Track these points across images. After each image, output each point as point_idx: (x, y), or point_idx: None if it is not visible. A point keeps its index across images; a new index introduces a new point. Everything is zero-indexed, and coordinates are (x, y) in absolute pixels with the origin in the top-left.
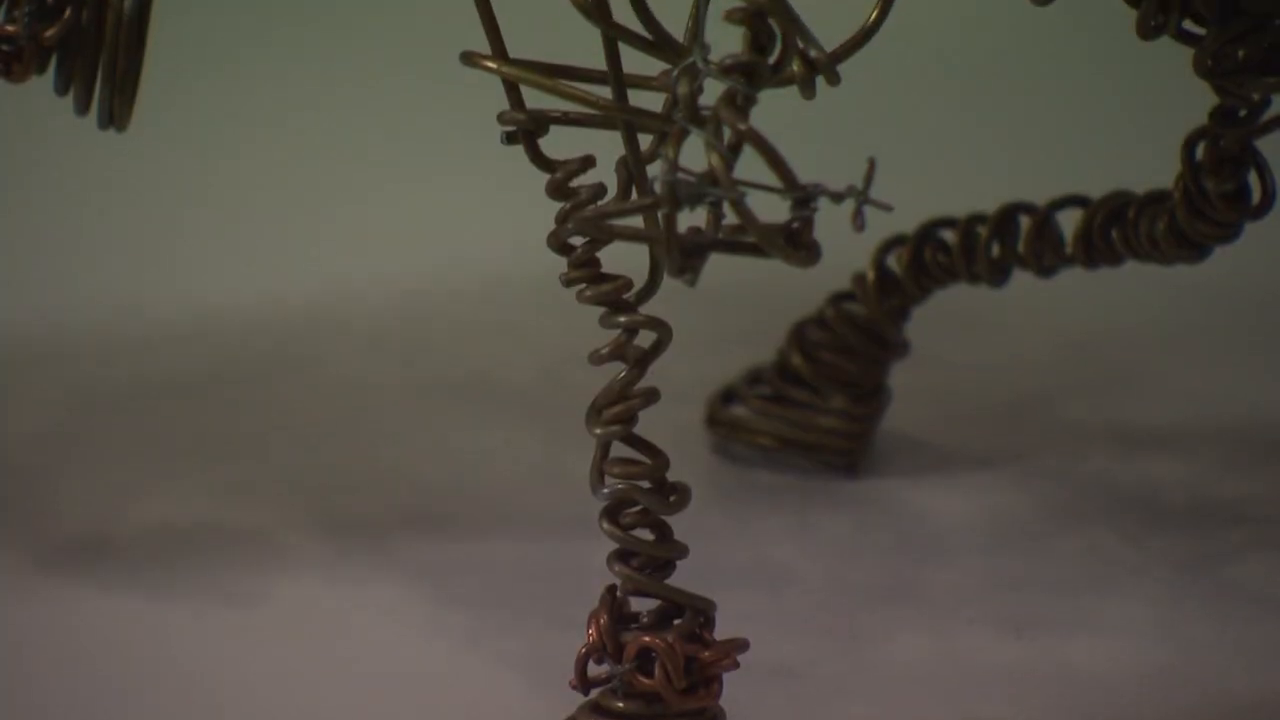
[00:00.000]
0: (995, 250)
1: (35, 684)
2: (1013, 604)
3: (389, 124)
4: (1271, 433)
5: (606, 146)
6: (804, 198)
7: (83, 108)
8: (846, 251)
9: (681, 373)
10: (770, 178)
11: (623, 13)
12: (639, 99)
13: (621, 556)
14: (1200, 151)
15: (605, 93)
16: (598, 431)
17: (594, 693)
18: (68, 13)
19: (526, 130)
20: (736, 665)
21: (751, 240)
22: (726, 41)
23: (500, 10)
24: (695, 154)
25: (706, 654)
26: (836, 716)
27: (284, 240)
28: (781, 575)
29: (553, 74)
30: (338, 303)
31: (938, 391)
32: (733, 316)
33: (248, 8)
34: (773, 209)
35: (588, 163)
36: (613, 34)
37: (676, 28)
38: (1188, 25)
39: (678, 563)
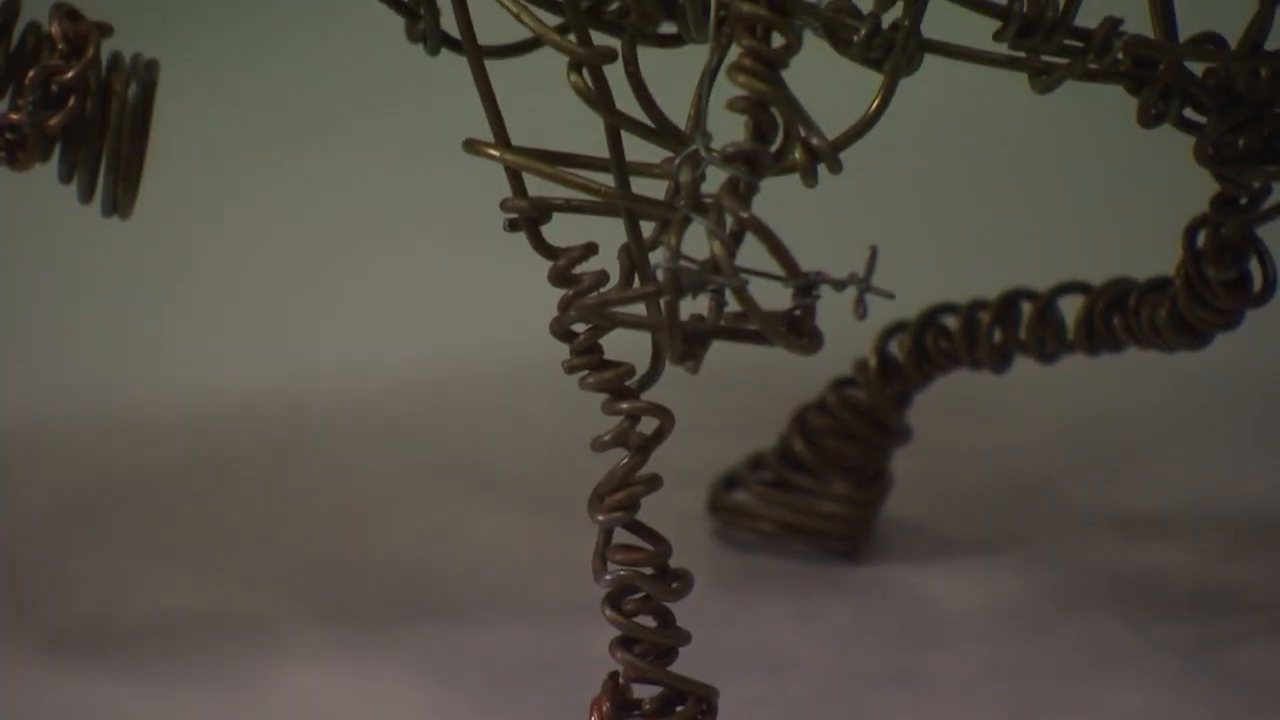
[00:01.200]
0: (997, 336)
1: None
2: (1016, 690)
3: (391, 209)
4: (1274, 519)
5: (609, 233)
6: (806, 286)
7: (86, 195)
8: (848, 337)
9: (683, 457)
10: (772, 265)
11: (625, 100)
12: (641, 186)
13: (624, 643)
14: (1201, 239)
15: (608, 179)
16: (600, 518)
17: None
18: (72, 101)
19: (529, 217)
20: None
21: (754, 328)
22: (728, 128)
23: (503, 97)
24: (697, 241)
25: None
26: None
27: (285, 326)
28: (784, 661)
29: (555, 161)
30: (339, 388)
31: (939, 476)
32: (735, 401)
33: (250, 94)
34: (775, 296)
35: (590, 250)
36: (615, 121)
37: (678, 115)
38: (1188, 113)
39: (680, 649)
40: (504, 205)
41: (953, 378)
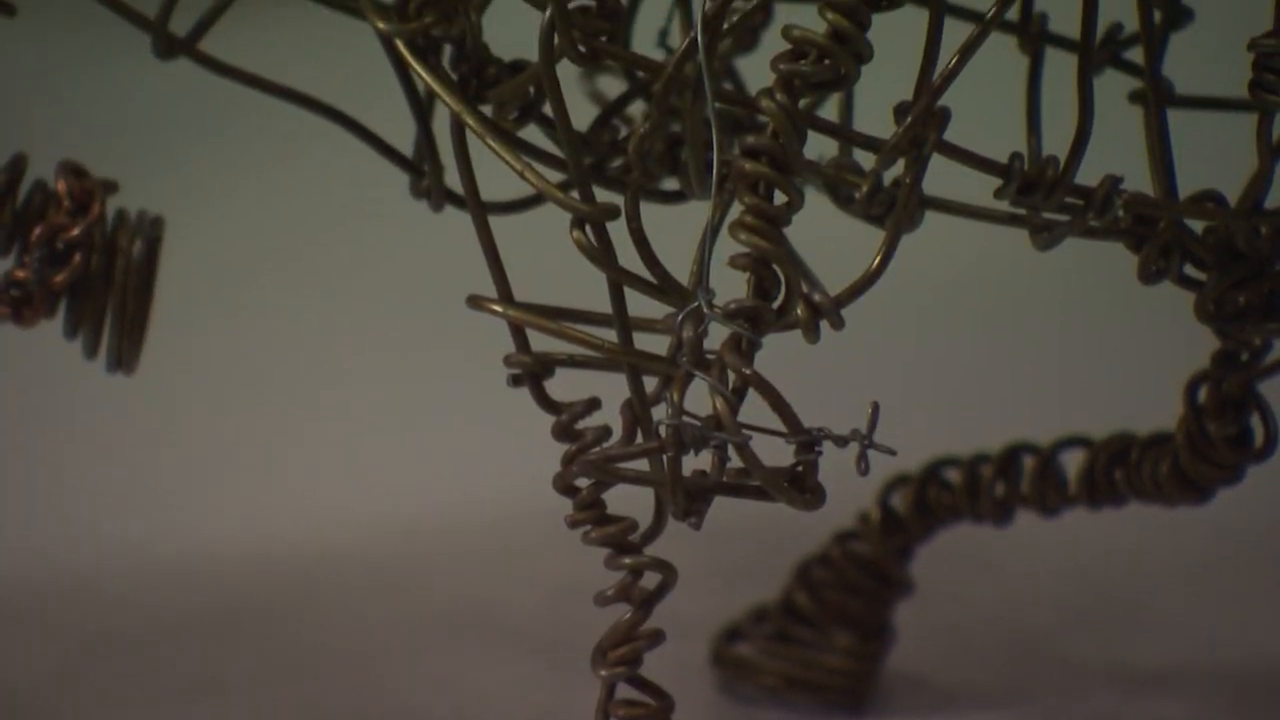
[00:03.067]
0: (999, 490)
1: None
2: None
3: (394, 361)
4: (1278, 673)
5: (611, 388)
6: (808, 442)
7: (91, 351)
8: (851, 490)
9: (686, 611)
10: (775, 421)
11: (627, 254)
12: (644, 341)
13: None
14: (1203, 394)
15: (610, 335)
16: (603, 673)
17: None
18: (77, 258)
19: (532, 373)
20: None
21: (756, 484)
22: (731, 284)
23: (505, 250)
24: (700, 397)
25: None
26: None
27: (285, 474)
28: None
29: (557, 316)
30: (340, 536)
31: (942, 628)
32: (737, 554)
33: (254, 243)
34: (777, 452)
35: (593, 405)
36: (618, 278)
37: (681, 270)
38: (1189, 270)
39: None
40: (507, 361)
41: (955, 529)
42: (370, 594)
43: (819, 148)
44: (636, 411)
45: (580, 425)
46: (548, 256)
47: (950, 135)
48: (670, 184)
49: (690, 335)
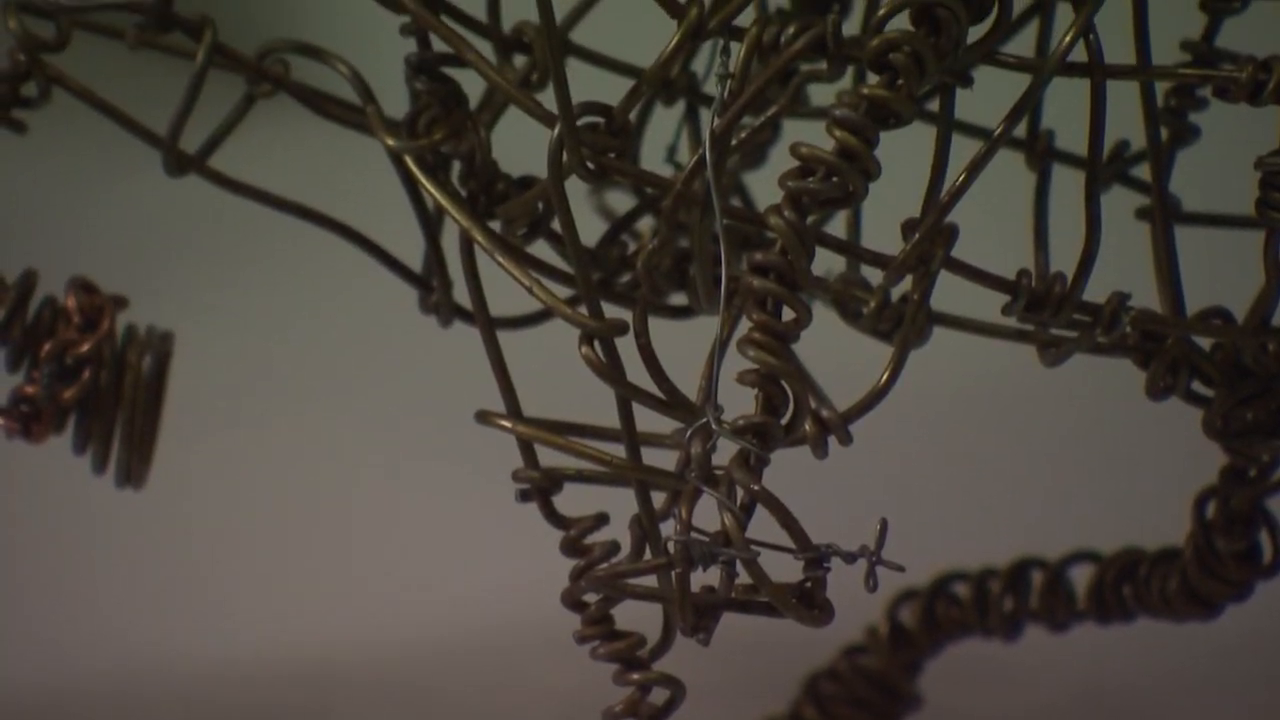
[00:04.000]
0: (1008, 605)
1: None
2: None
3: (401, 475)
4: None
5: (620, 503)
6: (817, 558)
7: (100, 466)
8: (859, 604)
9: None
10: (783, 537)
11: (636, 369)
12: (652, 456)
13: None
14: (1211, 510)
15: (619, 450)
16: None
17: None
18: (87, 374)
19: (540, 488)
20: None
21: (765, 600)
22: (739, 400)
23: (514, 366)
24: (709, 513)
25: None
26: None
27: (291, 592)
28: None
29: (566, 432)
30: (347, 655)
31: None
32: (745, 669)
33: (262, 358)
34: (785, 568)
35: (601, 520)
36: (626, 394)
37: (689, 386)
38: (1197, 387)
39: None
40: (515, 476)
41: (963, 644)
42: (378, 707)
43: (827, 263)
44: (645, 527)
45: (588, 540)
46: (556, 371)
47: (958, 251)
48: (678, 299)
49: (698, 451)
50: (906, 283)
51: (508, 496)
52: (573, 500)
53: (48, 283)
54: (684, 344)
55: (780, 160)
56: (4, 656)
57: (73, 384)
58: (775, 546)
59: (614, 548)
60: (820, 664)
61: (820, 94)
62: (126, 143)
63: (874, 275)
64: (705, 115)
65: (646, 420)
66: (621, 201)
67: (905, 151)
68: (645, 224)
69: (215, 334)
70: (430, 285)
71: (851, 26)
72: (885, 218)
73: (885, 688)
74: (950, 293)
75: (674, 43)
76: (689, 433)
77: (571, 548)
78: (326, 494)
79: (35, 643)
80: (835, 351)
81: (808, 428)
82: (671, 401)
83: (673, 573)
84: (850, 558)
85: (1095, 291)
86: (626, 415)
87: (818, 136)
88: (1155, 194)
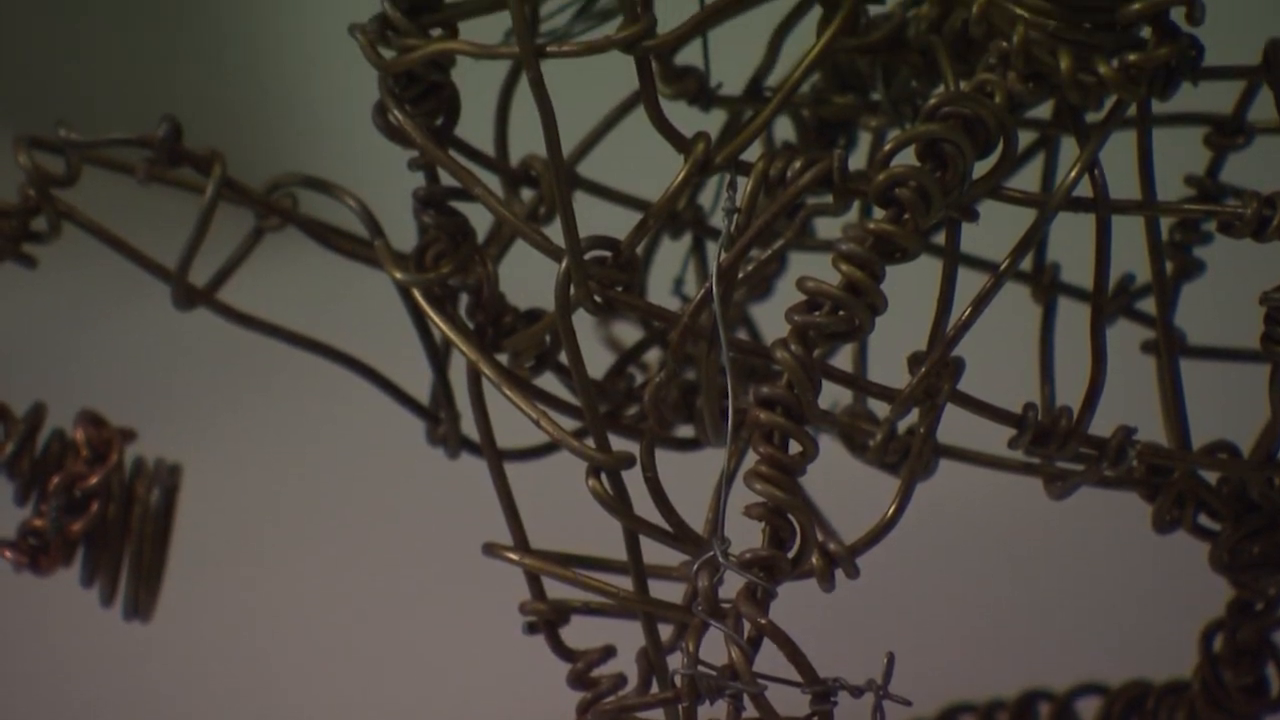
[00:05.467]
0: None
1: None
2: None
3: (408, 607)
4: None
5: (627, 636)
6: (824, 692)
7: (108, 600)
8: None
9: None
10: (790, 671)
11: (643, 501)
12: (659, 589)
13: None
14: (1218, 643)
15: (626, 582)
16: None
17: None
18: (95, 507)
19: (547, 620)
20: None
21: None
22: (746, 532)
23: (521, 498)
24: (716, 645)
25: None
26: None
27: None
28: None
29: (573, 564)
30: None
31: None
32: None
33: (269, 490)
34: (792, 701)
35: (608, 653)
36: (633, 526)
37: (696, 518)
38: (1203, 520)
39: None
40: (523, 608)
41: None
42: None
43: (834, 395)
44: (652, 659)
45: (596, 673)
46: (563, 503)
47: (964, 384)
48: (686, 431)
49: (706, 584)
50: (913, 415)
51: (515, 628)
52: (580, 632)
53: (55, 411)
54: (691, 476)
55: (787, 291)
56: None
57: (81, 517)
58: (782, 680)
59: (621, 680)
60: None
61: (826, 226)
62: (134, 271)
63: (880, 408)
64: (712, 248)
65: (654, 552)
66: (629, 333)
67: (911, 283)
68: (652, 356)
69: (222, 464)
70: (438, 417)
71: (858, 160)
72: (891, 350)
73: None
74: (956, 424)
75: (681, 177)
76: (696, 565)
77: (579, 680)
78: (333, 624)
79: None
80: (842, 483)
81: (815, 561)
82: (678, 534)
83: (680, 706)
84: (857, 692)
85: (1101, 424)
86: (634, 547)
87: (824, 268)
88: (1160, 328)
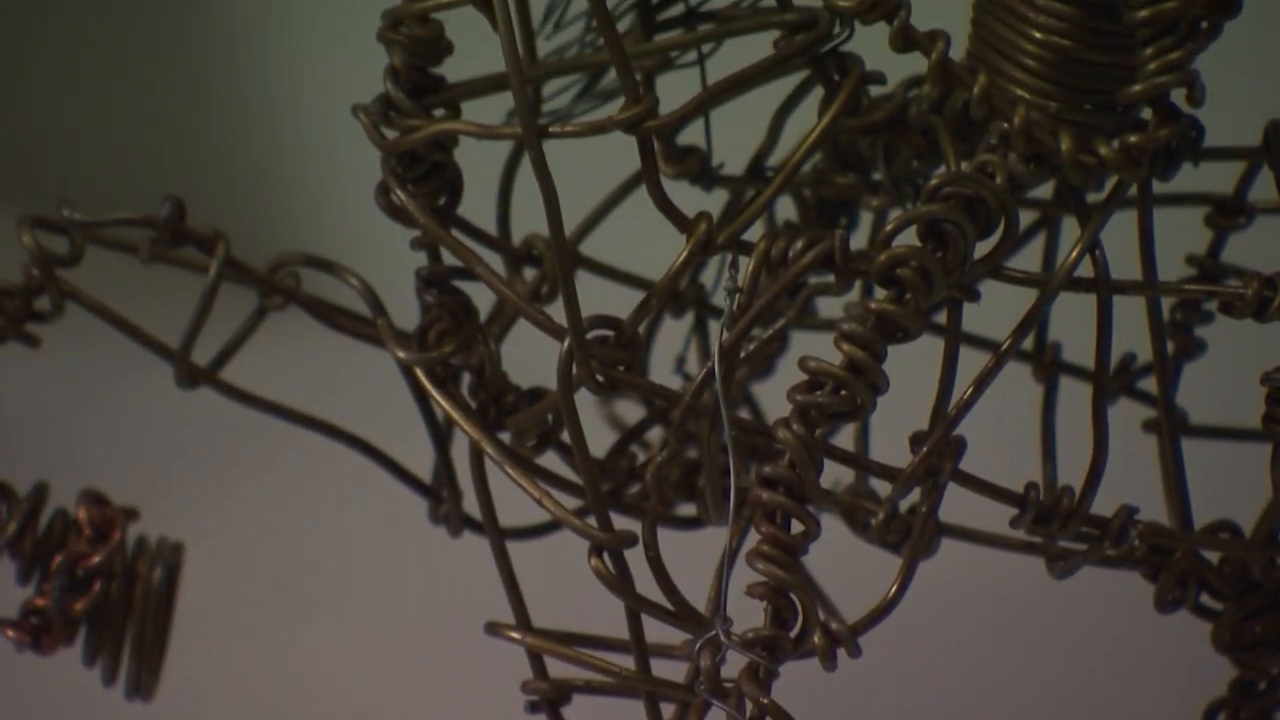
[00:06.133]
0: None
1: None
2: None
3: (409, 686)
4: None
5: (629, 714)
6: None
7: (109, 678)
8: None
9: None
10: None
11: (645, 579)
12: (661, 668)
13: None
14: None
15: (628, 661)
16: None
17: None
18: (97, 586)
19: (549, 699)
20: None
21: None
22: (748, 611)
23: (523, 577)
24: None
25: None
26: None
27: None
28: None
29: (575, 643)
30: None
31: None
32: None
33: (270, 567)
34: None
35: None
36: (635, 606)
37: (698, 596)
38: (1206, 600)
39: None
40: (525, 687)
41: None
42: None
43: (835, 473)
44: None
45: None
46: (565, 582)
47: (966, 463)
48: (687, 510)
49: (708, 663)
50: (915, 494)
51: (517, 707)
52: (583, 711)
53: (58, 489)
54: (693, 555)
55: (789, 369)
56: None
57: (83, 596)
58: None
59: None
60: None
61: (828, 305)
62: (136, 347)
63: (882, 487)
64: (714, 327)
65: (656, 631)
66: (631, 410)
67: (913, 362)
68: (654, 434)
69: (224, 541)
70: (440, 495)
71: (859, 239)
72: (893, 428)
73: None
74: (958, 500)
75: (683, 257)
76: (698, 644)
77: None
78: (336, 703)
79: None
80: (843, 561)
81: (817, 640)
82: (681, 613)
83: None
84: None
85: (1103, 504)
86: (636, 626)
87: (826, 346)
88: (1162, 407)
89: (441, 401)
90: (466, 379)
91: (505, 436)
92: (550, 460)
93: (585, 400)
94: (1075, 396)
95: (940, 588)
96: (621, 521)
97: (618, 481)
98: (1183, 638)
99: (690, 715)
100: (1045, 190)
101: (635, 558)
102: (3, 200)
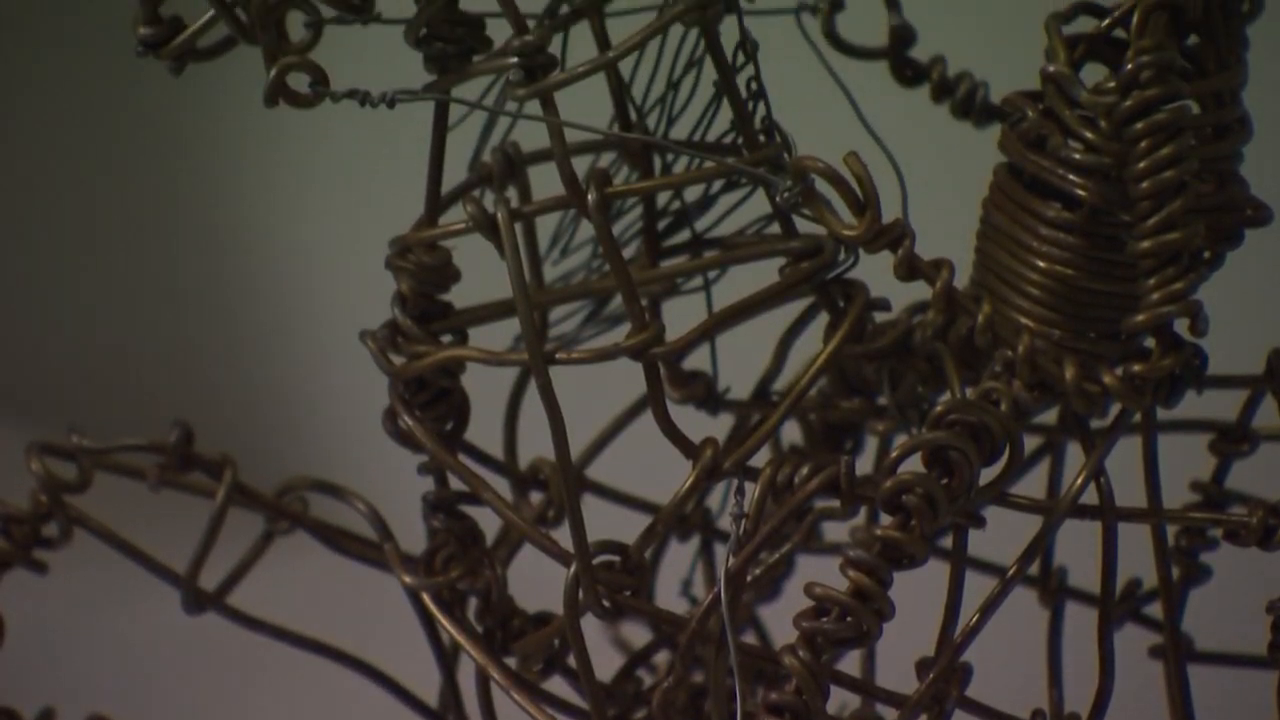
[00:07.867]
0: None
1: None
2: None
3: None
4: None
5: None
6: None
7: None
8: None
9: None
10: None
11: None
12: None
13: None
14: None
15: None
16: None
17: None
18: None
19: None
20: None
21: None
22: None
23: None
24: None
25: None
26: None
27: None
28: None
29: None
30: None
31: None
32: None
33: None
34: None
35: None
36: None
37: None
38: None
39: None
40: None
41: None
42: None
43: (842, 698)
44: None
45: None
46: None
47: (972, 689)
48: None
49: None
50: None
51: None
52: None
53: (64, 715)
54: None
55: (795, 592)
56: None
57: None
58: None
59: None
60: None
61: (834, 529)
62: (142, 570)
63: (889, 713)
64: (720, 551)
65: None
66: (637, 633)
67: (919, 586)
68: (661, 657)
69: None
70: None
71: (865, 462)
72: (900, 653)
73: None
74: None
75: (689, 483)
76: None
77: None
78: None
79: None
80: None
81: None
82: None
83: None
84: None
85: None
86: None
87: (832, 571)
88: (1168, 632)
89: (448, 626)
90: (473, 603)
91: (512, 661)
92: (557, 685)
93: (591, 624)
94: (1082, 621)
95: None
96: None
97: (624, 706)
98: None
99: None
100: (1050, 415)
101: None
102: (8, 419)
